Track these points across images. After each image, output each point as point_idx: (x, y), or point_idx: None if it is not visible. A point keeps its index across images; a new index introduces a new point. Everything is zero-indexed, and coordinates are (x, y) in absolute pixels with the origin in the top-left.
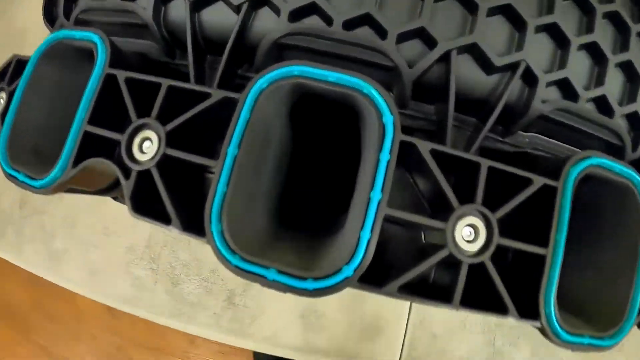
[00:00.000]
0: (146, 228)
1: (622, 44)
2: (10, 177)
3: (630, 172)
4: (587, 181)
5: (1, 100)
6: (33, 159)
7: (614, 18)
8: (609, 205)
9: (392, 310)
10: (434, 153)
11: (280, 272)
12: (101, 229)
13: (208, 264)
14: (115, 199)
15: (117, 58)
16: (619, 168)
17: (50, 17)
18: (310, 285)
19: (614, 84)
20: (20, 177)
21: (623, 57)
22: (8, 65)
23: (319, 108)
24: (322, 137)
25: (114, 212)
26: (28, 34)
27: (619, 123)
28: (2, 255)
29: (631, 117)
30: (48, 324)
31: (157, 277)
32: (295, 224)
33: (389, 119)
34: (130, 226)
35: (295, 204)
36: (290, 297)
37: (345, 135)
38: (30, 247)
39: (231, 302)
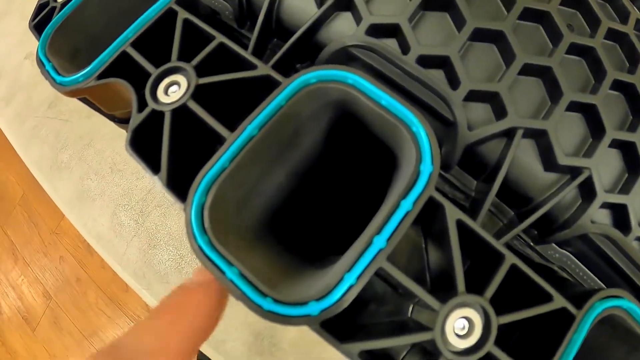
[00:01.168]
0: (149, 182)
1: None
2: (39, 62)
3: None
4: (605, 321)
5: None
6: (69, 57)
7: None
8: (616, 354)
9: None
10: (459, 225)
11: (242, 275)
12: (109, 162)
13: None
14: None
15: (188, 1)
16: None
17: None
18: (266, 304)
19: None
20: (47, 66)
21: None
22: None
23: (360, 143)
24: (353, 173)
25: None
26: None
27: None
28: (12, 142)
29: None
30: (26, 226)
31: (138, 232)
32: (286, 242)
33: (427, 168)
34: (137, 173)
35: (297, 222)
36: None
37: (376, 182)
38: (39, 147)
39: None
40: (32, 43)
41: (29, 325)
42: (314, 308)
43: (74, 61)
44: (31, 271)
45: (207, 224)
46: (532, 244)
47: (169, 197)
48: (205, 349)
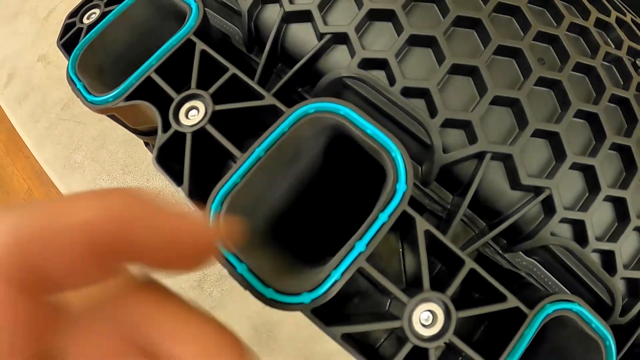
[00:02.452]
0: (159, 183)
1: None
2: (70, 81)
3: (606, 333)
4: (562, 323)
5: (93, 15)
6: (95, 75)
7: None
8: (575, 354)
9: None
10: (427, 234)
11: (250, 270)
12: (121, 164)
13: None
14: (146, 145)
15: (203, 29)
16: (596, 324)
17: None
18: (268, 293)
19: (627, 246)
20: (79, 84)
21: None
22: None
23: (357, 156)
24: (349, 184)
25: (140, 155)
26: None
27: (617, 284)
28: (26, 141)
29: (632, 283)
30: None
31: None
32: (289, 245)
33: (401, 187)
34: (147, 175)
35: (298, 228)
36: (252, 306)
37: (369, 193)
38: (53, 147)
39: (200, 285)
40: (45, 45)
41: None
42: (306, 297)
43: (99, 79)
44: None
45: None
46: (501, 252)
47: (180, 200)
48: None
